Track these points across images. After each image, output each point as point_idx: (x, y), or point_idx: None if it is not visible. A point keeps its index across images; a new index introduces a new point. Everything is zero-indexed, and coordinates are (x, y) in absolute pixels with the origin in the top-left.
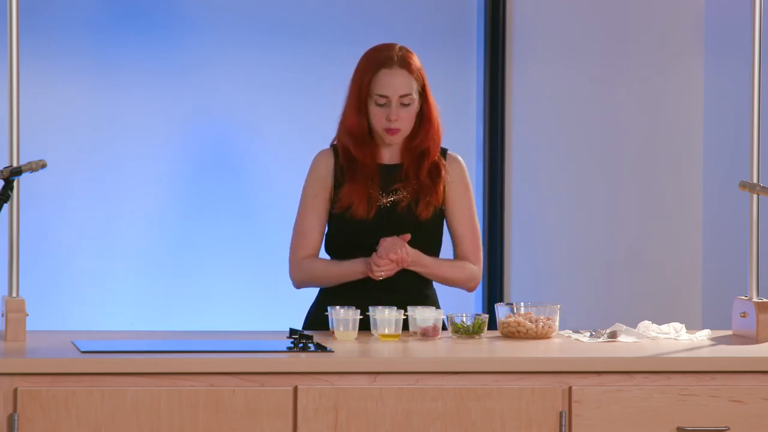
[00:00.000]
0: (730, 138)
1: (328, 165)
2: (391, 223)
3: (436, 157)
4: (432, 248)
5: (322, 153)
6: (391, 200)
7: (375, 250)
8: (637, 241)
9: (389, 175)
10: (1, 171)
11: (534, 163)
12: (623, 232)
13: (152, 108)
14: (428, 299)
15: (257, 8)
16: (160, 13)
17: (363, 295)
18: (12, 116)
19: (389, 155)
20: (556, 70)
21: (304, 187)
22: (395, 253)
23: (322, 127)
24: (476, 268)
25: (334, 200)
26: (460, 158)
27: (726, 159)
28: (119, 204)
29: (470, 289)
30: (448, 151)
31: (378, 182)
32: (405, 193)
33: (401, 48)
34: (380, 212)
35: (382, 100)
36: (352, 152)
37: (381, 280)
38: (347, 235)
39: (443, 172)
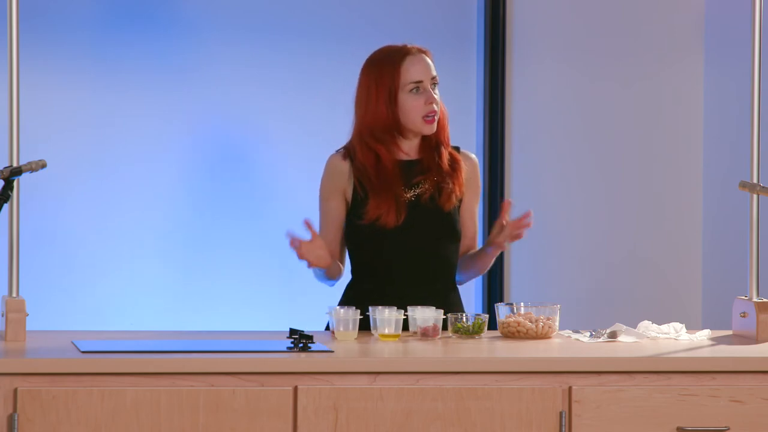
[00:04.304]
0: (730, 138)
1: (342, 168)
2: (415, 217)
3: (451, 150)
4: (455, 239)
5: (333, 157)
6: (414, 194)
7: (397, 249)
8: (637, 240)
9: (410, 171)
10: (1, 171)
11: (534, 162)
12: (623, 232)
13: (152, 108)
14: (453, 306)
15: (256, 8)
16: (160, 13)
17: (388, 294)
18: (12, 116)
19: (406, 152)
20: (556, 69)
21: (319, 192)
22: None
23: (326, 125)
24: None
25: (359, 212)
26: (474, 156)
27: (726, 159)
28: (119, 204)
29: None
30: (461, 149)
31: (401, 180)
32: (427, 186)
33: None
34: (404, 207)
35: (417, 86)
36: (378, 151)
37: (411, 283)
38: (376, 242)
39: (461, 164)
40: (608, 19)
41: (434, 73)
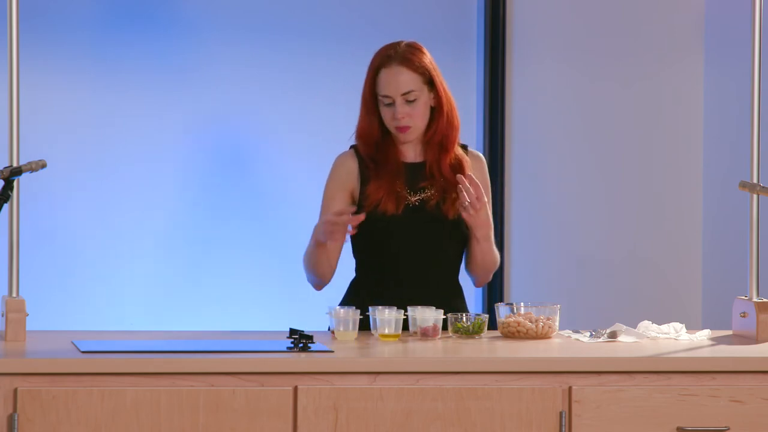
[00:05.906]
0: (730, 138)
1: (350, 167)
2: (421, 222)
3: (458, 153)
4: (460, 245)
5: (342, 156)
6: (419, 198)
7: (401, 252)
8: (637, 240)
9: (415, 174)
10: (1, 171)
11: (534, 162)
12: (623, 231)
13: (152, 108)
14: (457, 311)
15: (256, 8)
16: (160, 13)
17: (389, 294)
18: (12, 116)
19: (412, 153)
20: (556, 69)
21: (324, 191)
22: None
23: (326, 125)
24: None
25: (361, 201)
26: (481, 155)
27: (726, 159)
28: (119, 204)
29: (488, 279)
30: (469, 148)
31: (404, 180)
32: (433, 191)
33: (405, 44)
34: (409, 211)
35: (387, 100)
36: (373, 153)
37: (411, 285)
38: (376, 233)
39: (466, 170)
40: (608, 19)
41: (407, 88)
